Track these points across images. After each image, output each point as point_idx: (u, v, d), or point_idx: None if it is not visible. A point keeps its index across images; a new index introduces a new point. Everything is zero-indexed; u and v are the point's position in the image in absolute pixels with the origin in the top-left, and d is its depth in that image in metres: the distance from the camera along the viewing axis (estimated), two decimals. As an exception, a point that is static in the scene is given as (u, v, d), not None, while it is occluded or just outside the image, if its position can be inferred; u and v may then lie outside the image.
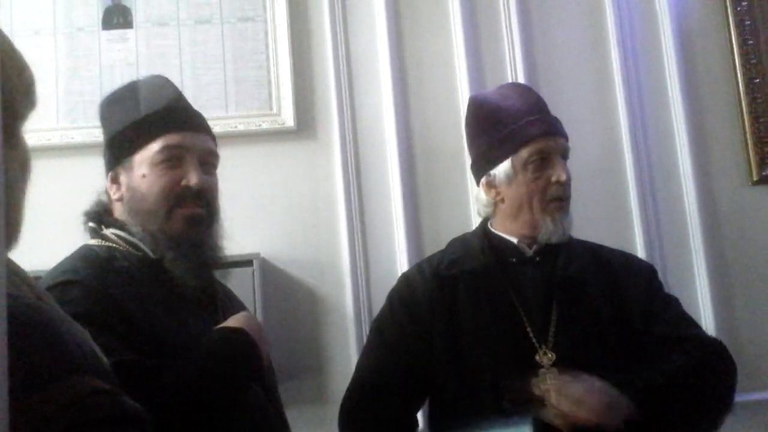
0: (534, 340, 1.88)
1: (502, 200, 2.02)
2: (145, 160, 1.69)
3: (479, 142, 2.07)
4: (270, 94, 2.69)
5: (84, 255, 1.63)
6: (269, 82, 2.70)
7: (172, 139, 1.70)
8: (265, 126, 2.66)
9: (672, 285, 2.13)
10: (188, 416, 1.44)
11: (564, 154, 1.98)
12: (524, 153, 1.96)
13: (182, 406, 1.43)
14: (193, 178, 1.69)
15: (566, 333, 1.87)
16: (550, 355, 1.85)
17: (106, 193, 1.74)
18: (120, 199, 1.70)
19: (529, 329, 1.89)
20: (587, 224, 2.24)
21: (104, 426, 0.76)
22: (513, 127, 1.98)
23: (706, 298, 2.58)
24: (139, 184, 1.68)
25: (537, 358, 1.86)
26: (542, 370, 1.84)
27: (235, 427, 1.53)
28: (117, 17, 2.74)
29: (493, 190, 2.03)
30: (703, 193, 2.67)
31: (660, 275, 2.13)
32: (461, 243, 2.10)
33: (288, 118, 2.67)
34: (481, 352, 1.88)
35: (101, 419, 0.76)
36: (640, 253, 2.55)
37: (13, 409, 0.69)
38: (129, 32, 2.73)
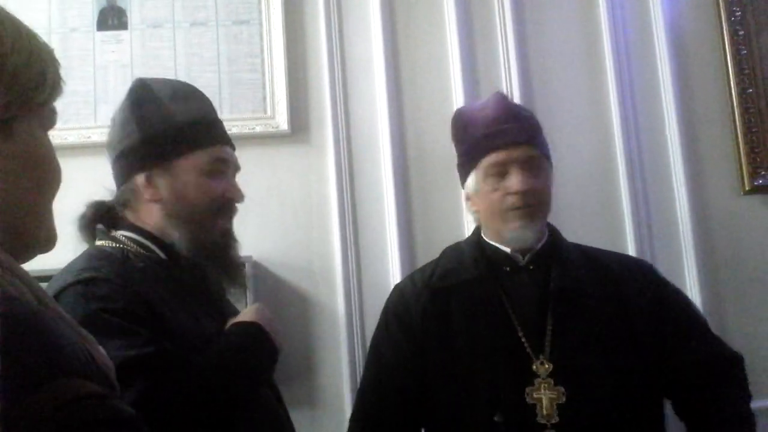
0: (529, 350, 1.87)
1: (477, 211, 2.04)
2: (193, 166, 1.69)
3: (457, 154, 2.10)
4: (264, 98, 2.69)
5: (98, 254, 1.64)
6: (264, 85, 2.70)
7: (222, 151, 1.75)
8: (259, 129, 2.66)
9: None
10: (215, 409, 1.49)
11: (525, 163, 1.95)
12: (483, 165, 1.97)
13: (211, 399, 1.49)
14: (238, 193, 1.77)
15: (563, 342, 1.87)
16: (547, 365, 1.85)
17: (133, 191, 1.71)
18: (157, 201, 1.69)
19: (524, 339, 1.89)
20: (578, 231, 2.25)
21: (95, 429, 0.76)
22: (476, 138, 1.99)
23: (698, 306, 2.57)
24: (187, 190, 1.69)
25: (534, 368, 1.85)
26: (538, 380, 1.84)
27: (251, 424, 1.57)
28: (112, 18, 2.73)
29: (469, 201, 2.06)
30: (695, 203, 2.68)
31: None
32: (454, 252, 2.10)
33: (282, 122, 2.67)
34: (476, 363, 1.88)
35: (92, 422, 0.76)
36: (632, 260, 2.56)
37: (3, 410, 0.69)
38: (124, 33, 2.73)
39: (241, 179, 1.81)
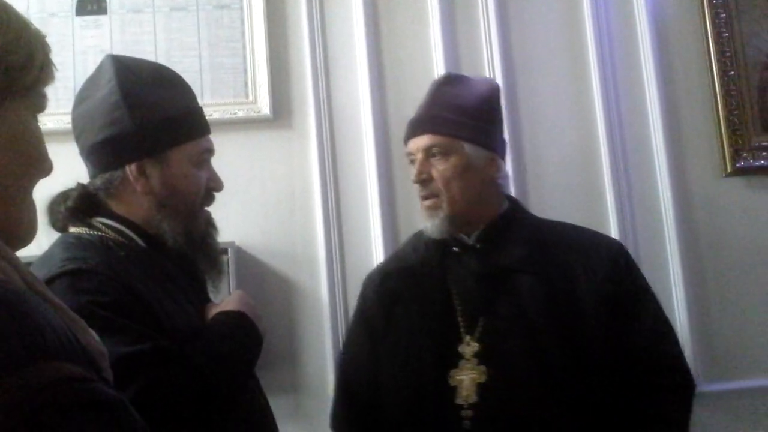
0: (462, 331, 1.87)
1: None
2: (187, 158, 1.67)
3: None
4: (246, 82, 2.67)
5: (78, 243, 1.60)
6: (245, 70, 2.68)
7: (208, 141, 1.74)
8: (240, 114, 2.65)
9: (645, 276, 2.13)
10: (210, 401, 1.49)
11: (426, 152, 1.97)
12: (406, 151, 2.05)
13: (206, 391, 1.49)
14: (219, 182, 1.75)
15: (492, 322, 1.86)
16: (473, 346, 1.84)
17: (120, 180, 1.64)
18: (148, 193, 1.64)
19: (460, 319, 1.88)
20: (562, 214, 2.24)
21: (73, 412, 0.75)
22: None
23: (679, 289, 2.60)
24: (180, 182, 1.66)
25: (460, 349, 1.85)
26: (463, 361, 1.83)
27: (234, 413, 1.57)
28: (91, 3, 2.71)
29: None
30: (677, 185, 2.68)
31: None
32: (416, 236, 2.11)
33: (264, 107, 2.65)
34: (409, 345, 1.89)
35: (71, 405, 0.75)
36: (614, 244, 2.56)
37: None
38: (103, 18, 2.70)
39: (223, 164, 1.80)
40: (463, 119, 1.96)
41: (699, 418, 2.38)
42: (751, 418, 2.54)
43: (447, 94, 2.01)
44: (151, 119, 1.63)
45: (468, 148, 1.95)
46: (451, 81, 2.08)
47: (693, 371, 2.41)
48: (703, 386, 2.48)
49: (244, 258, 2.54)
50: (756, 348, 2.60)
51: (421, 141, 1.97)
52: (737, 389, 2.56)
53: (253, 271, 2.56)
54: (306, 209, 2.63)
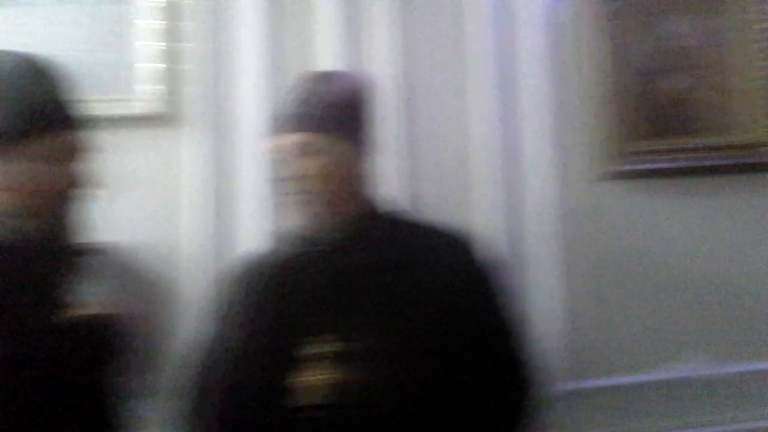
0: (316, 332, 1.86)
1: None
2: (47, 152, 1.63)
3: None
4: (133, 79, 2.62)
5: None
6: (132, 66, 2.63)
7: (71, 136, 1.69)
8: (128, 111, 2.59)
9: (522, 275, 2.16)
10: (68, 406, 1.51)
11: (299, 149, 1.95)
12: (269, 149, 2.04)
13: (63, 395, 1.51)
14: (86, 179, 1.71)
15: (348, 324, 1.86)
16: (327, 347, 1.84)
17: None
18: (4, 189, 1.61)
19: (315, 319, 1.87)
20: (449, 213, 2.27)
21: None
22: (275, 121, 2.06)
23: (554, 289, 2.69)
24: (38, 178, 1.62)
25: (313, 350, 1.84)
26: (315, 362, 1.83)
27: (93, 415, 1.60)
28: (-30, -6, 2.61)
29: None
30: (557, 188, 2.74)
31: (507, 264, 2.17)
32: (280, 234, 2.10)
33: (151, 104, 2.61)
34: (262, 346, 1.88)
35: None
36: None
37: None
38: (-18, 10, 2.61)
39: (108, 162, 1.77)
40: (333, 116, 1.95)
41: (572, 415, 2.50)
42: (622, 414, 2.65)
43: (317, 90, 1.99)
44: (8, 112, 1.60)
45: (338, 144, 1.95)
46: (321, 77, 2.07)
47: (568, 370, 2.55)
48: (577, 383, 2.61)
49: (123, 259, 2.48)
50: (626, 347, 2.72)
51: (291, 138, 1.95)
52: (609, 386, 2.67)
53: (134, 272, 2.51)
54: (194, 211, 2.59)
